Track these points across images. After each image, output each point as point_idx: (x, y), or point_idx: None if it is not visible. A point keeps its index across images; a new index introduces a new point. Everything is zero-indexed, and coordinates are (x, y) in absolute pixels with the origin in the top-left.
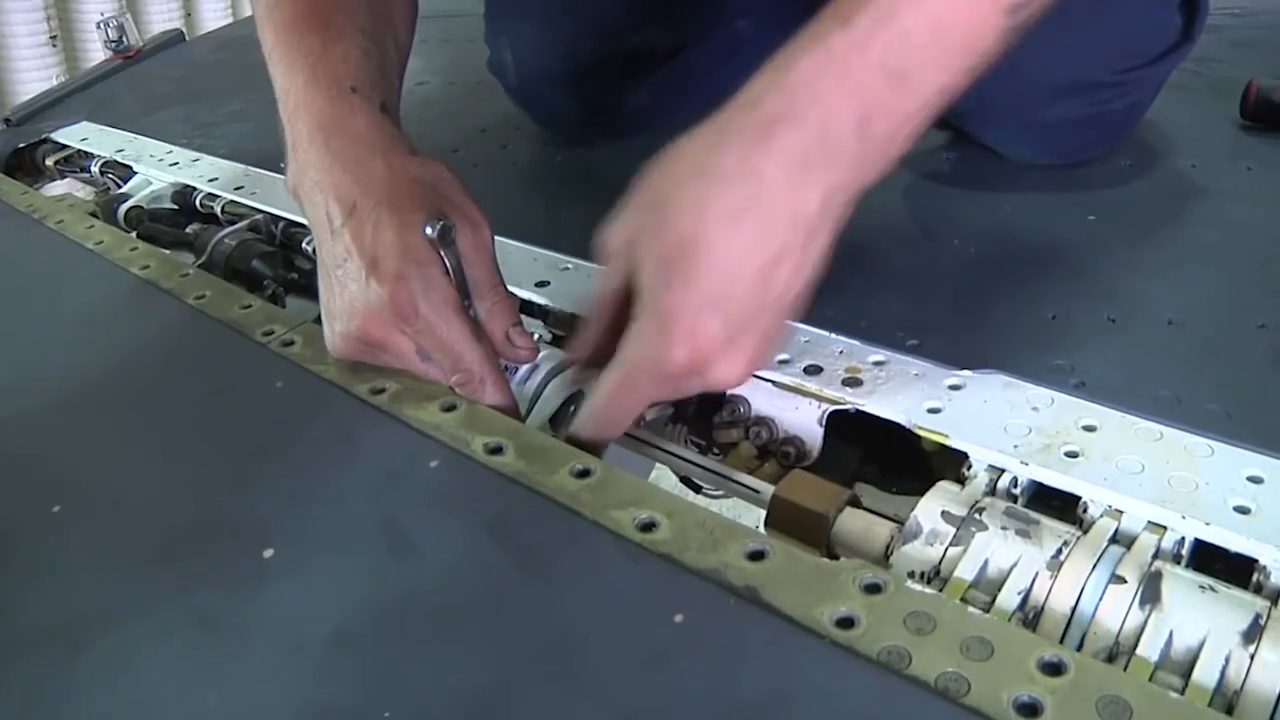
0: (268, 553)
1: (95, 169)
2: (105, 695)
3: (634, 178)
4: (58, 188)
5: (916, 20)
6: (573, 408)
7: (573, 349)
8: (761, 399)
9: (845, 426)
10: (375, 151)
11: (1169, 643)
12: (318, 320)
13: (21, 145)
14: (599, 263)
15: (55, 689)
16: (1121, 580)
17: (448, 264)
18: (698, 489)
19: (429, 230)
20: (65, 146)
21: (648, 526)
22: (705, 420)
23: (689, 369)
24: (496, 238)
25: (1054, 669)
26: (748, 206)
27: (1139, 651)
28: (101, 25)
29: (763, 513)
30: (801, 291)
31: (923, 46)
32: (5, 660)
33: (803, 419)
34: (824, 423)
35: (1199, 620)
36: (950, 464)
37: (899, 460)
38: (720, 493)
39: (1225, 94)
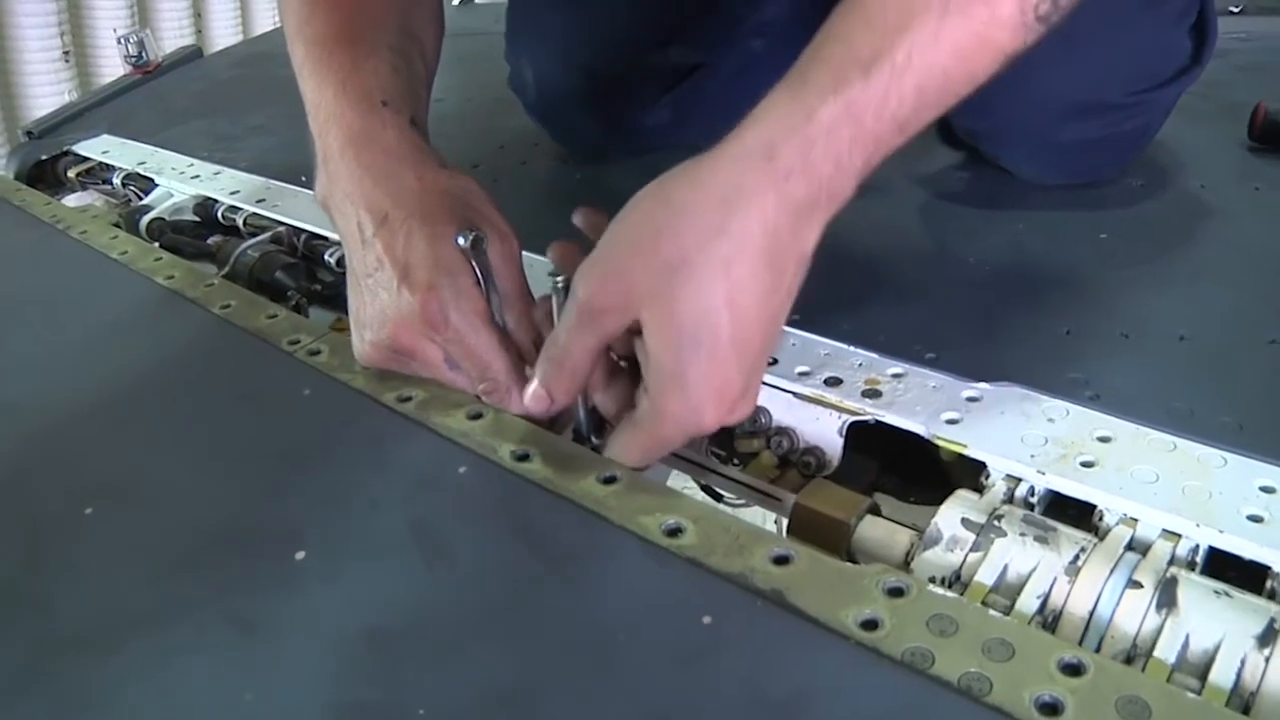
0: (300, 555)
1: (117, 181)
2: (141, 695)
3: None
4: (76, 200)
5: (930, 74)
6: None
7: (535, 403)
8: (782, 409)
9: (863, 438)
10: (406, 164)
11: (1185, 645)
12: (337, 326)
13: (43, 158)
14: (577, 315)
15: (91, 688)
16: (1138, 585)
17: (478, 274)
18: (719, 498)
19: (461, 241)
20: (86, 159)
21: (674, 531)
22: (726, 431)
23: (716, 425)
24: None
25: (1074, 670)
26: (766, 264)
27: (1156, 654)
28: (121, 40)
29: (782, 521)
30: None
31: (930, 99)
32: (42, 660)
33: (823, 430)
34: (844, 433)
35: (1215, 624)
36: (968, 474)
37: (916, 471)
38: (742, 501)
39: (1233, 116)
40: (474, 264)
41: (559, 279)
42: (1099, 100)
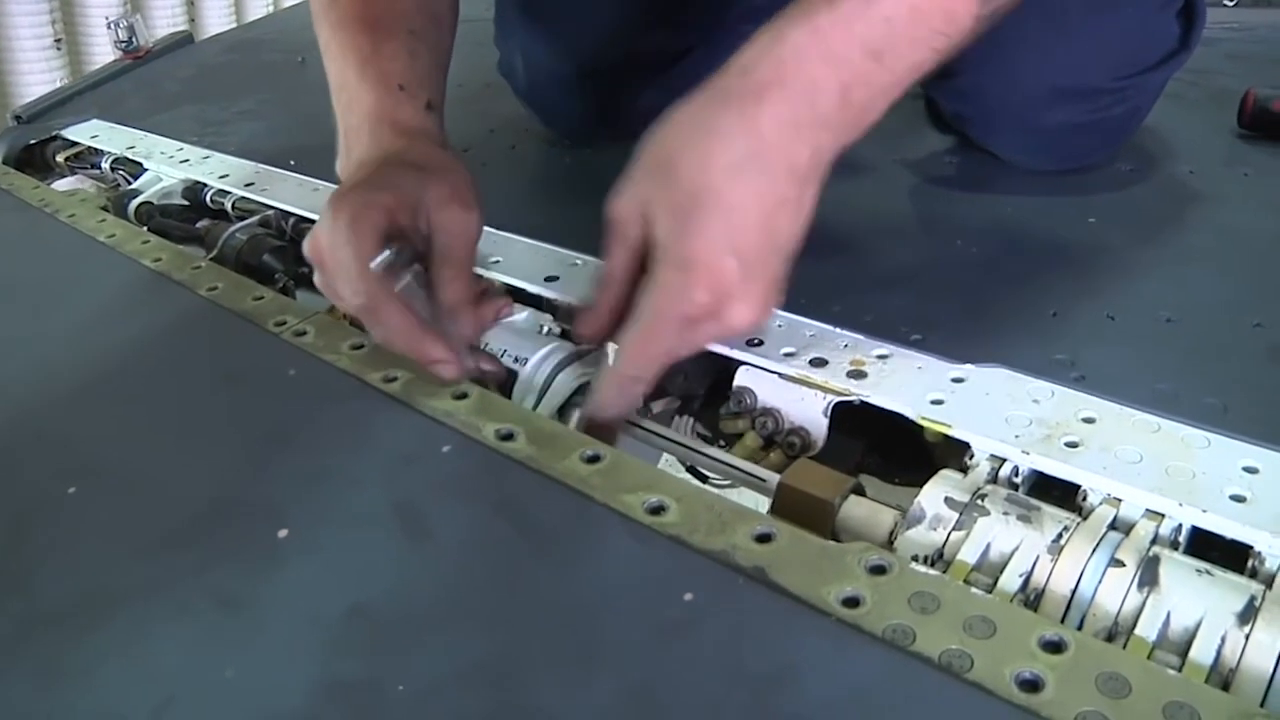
0: (282, 533)
1: (106, 165)
2: (121, 670)
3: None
4: (65, 184)
5: (896, 6)
6: (576, 399)
7: (585, 324)
8: (768, 390)
9: (848, 419)
10: (411, 138)
11: (1166, 623)
12: (329, 311)
13: (32, 141)
14: (609, 236)
15: (74, 662)
16: (1120, 564)
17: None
18: (704, 479)
19: (384, 254)
20: (75, 143)
21: (657, 510)
22: (712, 411)
23: (709, 310)
24: (508, 234)
25: (1054, 647)
26: (749, 158)
27: (1137, 631)
28: (112, 26)
29: (766, 501)
30: (799, 238)
31: (900, 29)
32: (24, 635)
33: (808, 410)
34: (829, 414)
35: (1196, 602)
36: (952, 454)
37: (901, 453)
38: (727, 482)
39: (1222, 104)
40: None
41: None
42: (1086, 85)
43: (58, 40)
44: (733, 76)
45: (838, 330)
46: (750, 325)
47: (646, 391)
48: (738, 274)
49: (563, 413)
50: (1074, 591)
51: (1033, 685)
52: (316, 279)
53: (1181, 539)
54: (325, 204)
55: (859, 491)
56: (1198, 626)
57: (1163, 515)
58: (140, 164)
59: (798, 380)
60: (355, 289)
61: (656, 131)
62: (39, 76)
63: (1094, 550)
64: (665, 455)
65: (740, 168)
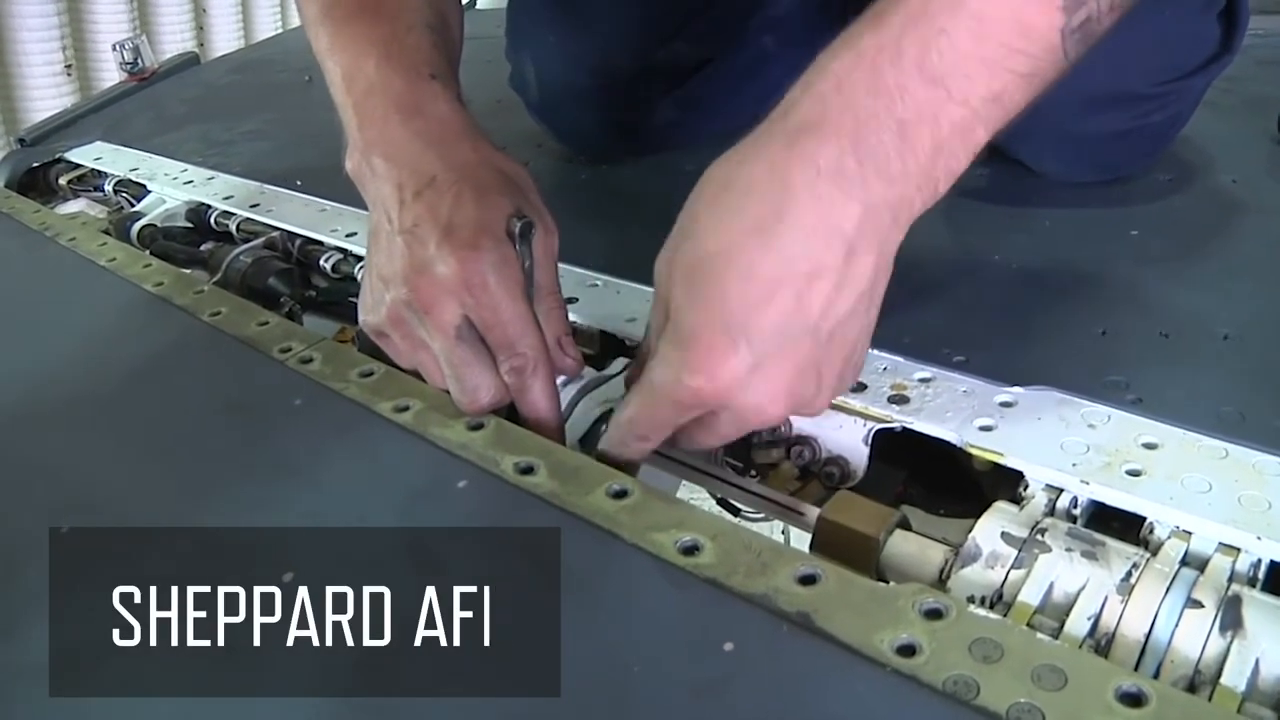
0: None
1: (109, 188)
2: None
3: (661, 194)
4: (70, 207)
5: (955, 18)
6: (603, 427)
7: (631, 371)
8: (803, 417)
9: (887, 447)
10: (462, 136)
11: (1255, 671)
12: (340, 337)
13: (35, 165)
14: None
15: (60, 717)
16: (1198, 604)
17: (521, 261)
18: (735, 511)
19: (515, 222)
20: (79, 166)
21: (691, 550)
22: (743, 440)
23: (710, 399)
24: None
25: (1134, 699)
26: (775, 220)
27: (1223, 681)
28: (117, 47)
29: (790, 531)
30: (852, 314)
31: (962, 46)
32: (11, 685)
33: (847, 438)
34: (869, 442)
35: None
36: (1003, 484)
37: (944, 482)
38: (761, 516)
39: (1259, 110)
40: (518, 251)
41: (518, 221)
42: (1125, 91)
43: (68, 66)
44: (771, 120)
45: (876, 352)
46: (773, 418)
47: (653, 448)
48: (744, 361)
49: (585, 442)
50: (1148, 636)
51: None
52: (415, 350)
53: (1260, 575)
54: (414, 241)
55: (904, 526)
56: None
57: (1239, 550)
58: (144, 186)
59: (836, 406)
60: (517, 301)
61: (703, 176)
62: (50, 103)
63: (1168, 589)
64: (683, 481)
65: (761, 230)
